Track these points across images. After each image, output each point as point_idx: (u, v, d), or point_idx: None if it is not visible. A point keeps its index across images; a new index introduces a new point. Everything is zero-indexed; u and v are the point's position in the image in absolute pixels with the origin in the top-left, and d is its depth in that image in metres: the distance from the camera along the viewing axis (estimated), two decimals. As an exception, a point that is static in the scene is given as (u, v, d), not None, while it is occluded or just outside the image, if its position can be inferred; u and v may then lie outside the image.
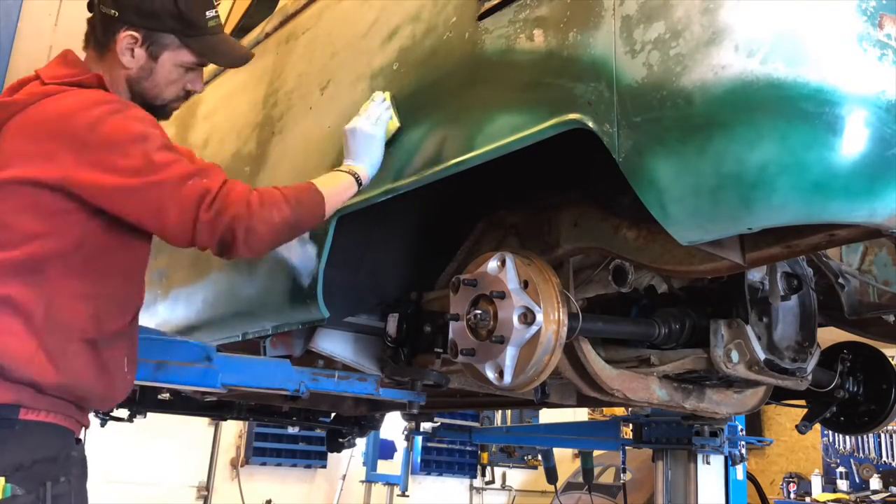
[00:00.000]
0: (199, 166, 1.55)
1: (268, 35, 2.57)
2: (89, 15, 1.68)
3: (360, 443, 6.80)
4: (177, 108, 1.78)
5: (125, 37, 1.60)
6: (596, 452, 5.29)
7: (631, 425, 3.76)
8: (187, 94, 1.75)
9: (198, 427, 6.82)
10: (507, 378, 1.54)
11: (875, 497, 7.44)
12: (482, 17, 1.56)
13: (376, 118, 1.73)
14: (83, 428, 1.60)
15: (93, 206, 1.48)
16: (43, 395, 1.44)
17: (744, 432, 3.73)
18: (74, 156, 1.45)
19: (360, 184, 1.71)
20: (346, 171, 1.72)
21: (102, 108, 1.50)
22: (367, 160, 1.73)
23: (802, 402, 2.42)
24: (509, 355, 1.52)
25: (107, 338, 1.55)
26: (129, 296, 1.64)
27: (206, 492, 6.96)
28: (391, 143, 1.75)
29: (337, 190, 1.68)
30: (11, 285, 1.43)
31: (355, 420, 3.95)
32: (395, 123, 1.74)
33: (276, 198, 1.54)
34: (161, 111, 1.72)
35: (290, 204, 1.54)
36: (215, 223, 1.47)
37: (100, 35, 1.64)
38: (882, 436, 7.95)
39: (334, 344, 2.21)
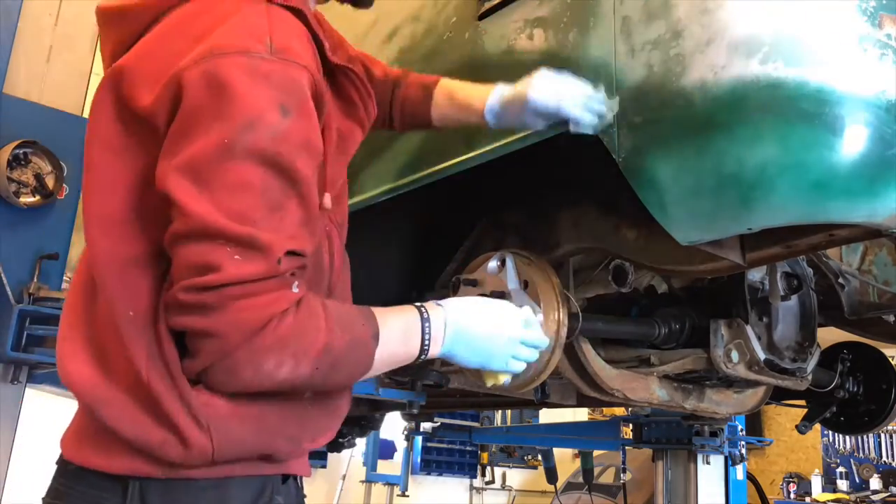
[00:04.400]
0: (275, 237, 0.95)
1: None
2: None
3: (360, 443, 6.79)
4: None
5: None
6: (596, 452, 5.29)
7: (631, 425, 3.76)
8: None
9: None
10: (507, 378, 1.54)
11: (875, 497, 7.44)
12: (482, 17, 1.56)
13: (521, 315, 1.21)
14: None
15: None
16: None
17: (744, 432, 3.73)
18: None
19: (423, 354, 1.13)
20: (420, 328, 1.12)
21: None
22: (461, 345, 1.16)
23: (802, 402, 2.42)
24: (509, 355, 1.52)
25: None
26: None
27: (206, 492, 6.95)
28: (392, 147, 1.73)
29: (395, 358, 1.12)
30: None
31: (355, 420, 3.95)
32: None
33: (310, 347, 0.98)
34: None
35: (319, 367, 0.99)
36: (190, 317, 0.94)
37: None
38: (882, 436, 7.95)
39: (334, 344, 2.21)
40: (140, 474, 1.00)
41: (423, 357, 1.13)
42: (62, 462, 1.08)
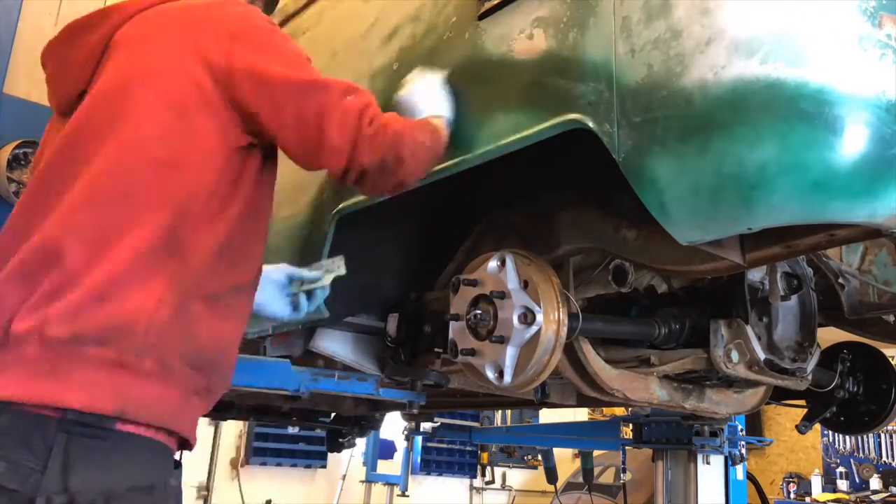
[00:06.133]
0: (349, 83, 1.37)
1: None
2: None
3: (360, 443, 6.80)
4: None
5: None
6: (596, 452, 5.29)
7: (631, 425, 3.76)
8: None
9: (197, 427, 6.79)
10: (507, 378, 1.54)
11: (875, 497, 7.44)
12: (482, 16, 1.56)
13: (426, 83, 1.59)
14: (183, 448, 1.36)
15: (244, 116, 1.30)
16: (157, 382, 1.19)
17: (744, 432, 3.73)
18: (229, 44, 1.29)
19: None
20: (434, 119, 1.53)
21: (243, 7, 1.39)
22: (443, 107, 1.55)
23: (802, 402, 2.42)
24: (509, 355, 1.52)
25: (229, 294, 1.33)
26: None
27: (206, 492, 6.95)
28: None
29: (443, 134, 1.51)
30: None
31: (355, 420, 3.94)
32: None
33: (414, 122, 1.43)
34: None
35: (425, 131, 1.43)
36: (378, 138, 1.32)
37: None
38: (882, 436, 7.96)
39: (334, 344, 2.21)
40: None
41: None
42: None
